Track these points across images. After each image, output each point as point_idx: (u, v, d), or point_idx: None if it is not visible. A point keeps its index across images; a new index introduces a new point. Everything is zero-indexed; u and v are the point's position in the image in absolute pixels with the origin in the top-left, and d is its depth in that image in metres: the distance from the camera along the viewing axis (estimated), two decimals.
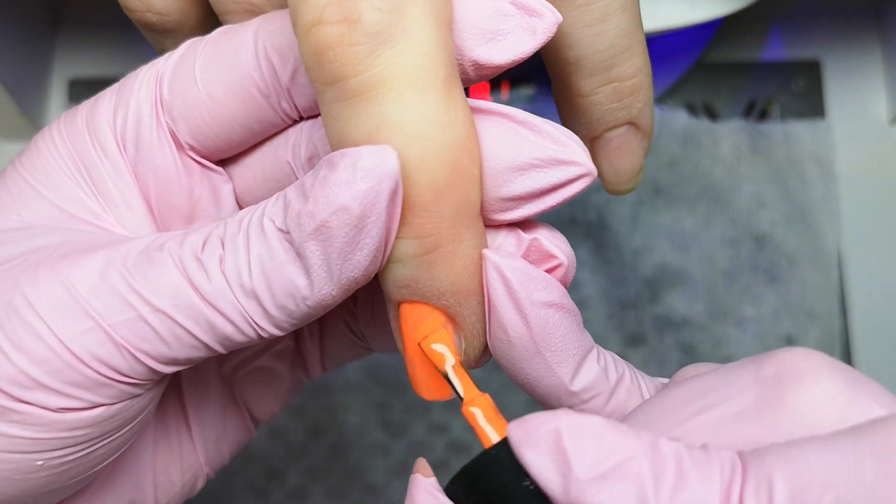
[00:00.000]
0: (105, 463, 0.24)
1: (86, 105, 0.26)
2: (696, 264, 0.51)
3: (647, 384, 0.24)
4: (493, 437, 0.21)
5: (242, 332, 0.22)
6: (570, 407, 0.23)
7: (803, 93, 0.54)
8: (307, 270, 0.21)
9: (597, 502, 0.18)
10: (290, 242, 0.21)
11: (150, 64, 0.25)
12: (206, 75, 0.24)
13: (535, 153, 0.22)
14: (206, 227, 0.23)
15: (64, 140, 0.25)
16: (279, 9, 0.25)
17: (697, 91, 0.54)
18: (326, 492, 0.48)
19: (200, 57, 0.24)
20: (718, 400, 0.20)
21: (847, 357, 0.50)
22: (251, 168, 0.26)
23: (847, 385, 0.20)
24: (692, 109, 0.53)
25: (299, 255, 0.21)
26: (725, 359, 0.50)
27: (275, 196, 0.22)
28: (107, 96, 0.25)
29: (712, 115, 0.53)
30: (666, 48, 0.52)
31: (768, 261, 0.51)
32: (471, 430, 0.48)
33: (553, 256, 0.23)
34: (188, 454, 0.29)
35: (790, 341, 0.50)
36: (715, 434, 0.20)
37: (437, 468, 0.48)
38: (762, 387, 0.20)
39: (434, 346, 0.22)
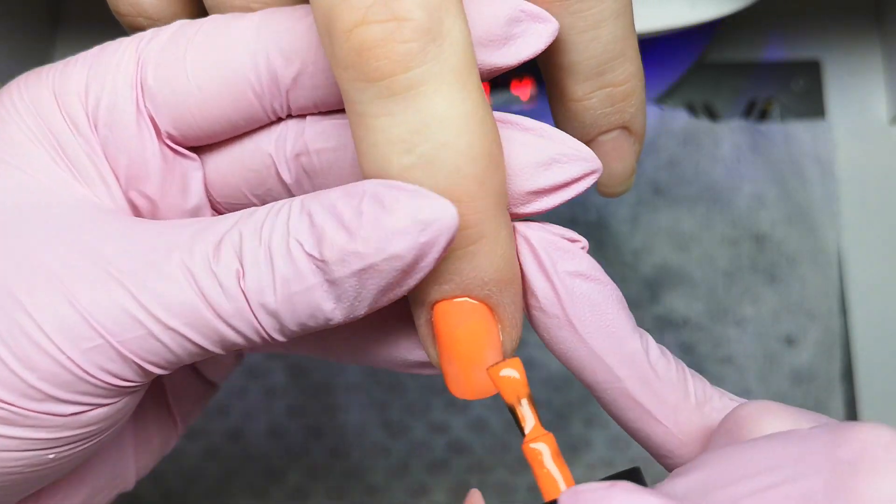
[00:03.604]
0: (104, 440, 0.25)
1: (50, 71, 0.25)
2: (696, 264, 0.51)
3: (698, 382, 0.24)
4: (560, 483, 0.21)
5: (252, 341, 0.23)
6: (605, 382, 0.23)
7: (803, 93, 0.54)
8: (338, 298, 0.22)
9: None
10: (322, 269, 0.21)
11: (131, 40, 0.25)
12: (199, 68, 0.24)
13: (556, 150, 0.23)
14: (211, 227, 0.23)
15: (29, 109, 0.24)
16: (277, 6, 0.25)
17: (697, 91, 0.54)
18: (326, 492, 0.48)
19: (193, 47, 0.24)
20: (788, 477, 0.19)
21: (847, 357, 0.50)
22: (228, 156, 0.26)
23: None
24: (692, 109, 0.53)
25: (332, 283, 0.21)
26: (725, 359, 0.50)
27: (292, 210, 0.22)
28: (77, 66, 0.25)
29: (712, 115, 0.53)
30: (666, 48, 0.52)
31: (768, 261, 0.51)
32: (471, 429, 0.48)
33: (575, 240, 0.24)
34: (164, 415, 0.30)
35: (790, 341, 0.50)
36: None
37: (438, 468, 0.48)
38: (835, 471, 0.19)
39: (504, 373, 0.22)
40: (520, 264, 0.24)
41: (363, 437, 0.48)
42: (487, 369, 0.23)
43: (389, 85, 0.21)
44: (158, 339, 0.22)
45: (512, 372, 0.22)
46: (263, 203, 0.26)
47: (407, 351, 0.26)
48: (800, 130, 0.52)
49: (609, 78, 0.27)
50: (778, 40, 0.55)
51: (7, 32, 0.49)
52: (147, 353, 0.22)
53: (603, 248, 0.51)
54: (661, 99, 0.53)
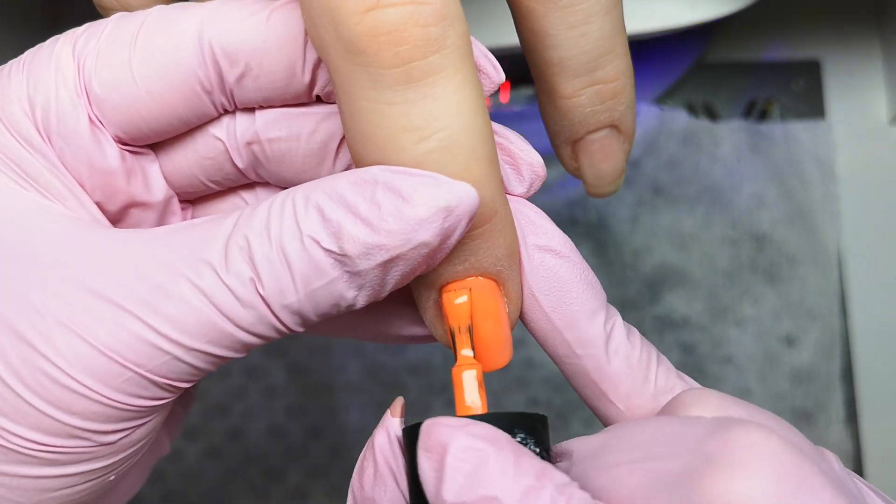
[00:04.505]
0: None
1: None
2: (696, 264, 0.51)
3: (662, 372, 0.24)
4: (474, 409, 0.22)
5: (274, 338, 0.23)
6: (565, 356, 0.24)
7: (803, 93, 0.54)
8: (361, 286, 0.22)
9: None
10: (343, 262, 0.21)
11: (65, 40, 0.24)
12: (146, 73, 0.23)
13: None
14: (208, 235, 0.22)
15: None
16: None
17: (697, 91, 0.54)
18: (326, 492, 0.48)
19: (138, 49, 0.23)
20: (656, 455, 0.20)
21: (847, 357, 0.50)
22: (181, 147, 0.25)
23: (779, 489, 0.19)
24: (692, 109, 0.53)
25: (355, 274, 0.21)
26: (725, 359, 0.50)
27: (296, 205, 0.21)
28: (13, 78, 0.23)
29: (712, 115, 0.53)
30: (666, 48, 0.52)
31: (768, 261, 0.51)
32: None
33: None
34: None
35: (790, 341, 0.50)
36: (637, 488, 0.20)
37: None
38: (694, 460, 0.19)
39: (457, 301, 0.23)
40: None
41: (363, 437, 0.48)
42: (441, 290, 0.23)
43: (408, 72, 0.20)
44: (184, 361, 0.22)
45: (462, 299, 0.23)
46: (221, 186, 0.26)
47: (400, 327, 0.26)
48: (800, 130, 0.52)
49: (599, 75, 0.27)
50: (778, 40, 0.55)
51: (7, 32, 0.49)
52: (176, 374, 0.22)
53: (603, 248, 0.51)
54: (661, 99, 0.53)
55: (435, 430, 0.20)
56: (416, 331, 0.26)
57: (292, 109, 0.24)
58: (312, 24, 0.21)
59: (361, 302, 0.22)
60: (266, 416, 0.48)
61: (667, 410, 0.23)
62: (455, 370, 0.22)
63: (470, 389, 0.22)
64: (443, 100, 0.21)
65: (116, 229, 0.24)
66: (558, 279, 0.24)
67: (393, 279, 0.21)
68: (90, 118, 0.23)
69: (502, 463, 0.20)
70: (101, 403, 0.22)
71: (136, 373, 0.22)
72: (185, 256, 0.22)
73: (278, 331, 0.22)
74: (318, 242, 0.21)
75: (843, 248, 0.52)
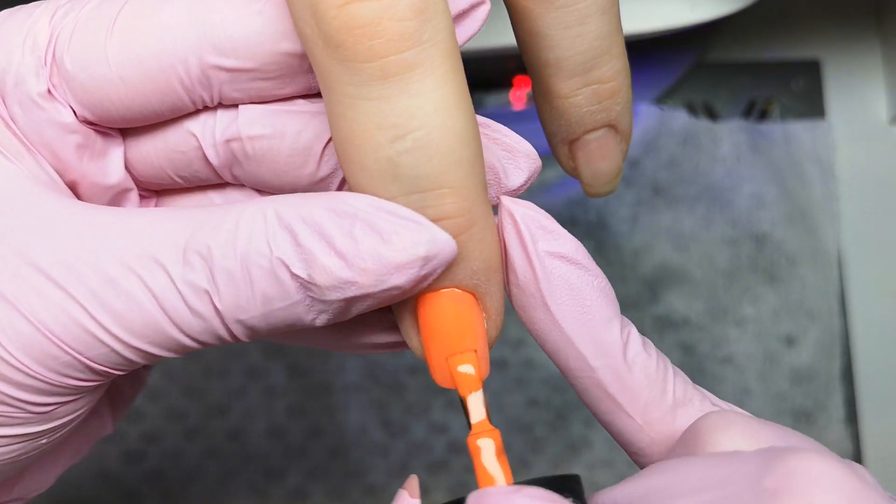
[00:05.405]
0: None
1: None
2: (696, 264, 0.51)
3: (680, 383, 0.24)
4: (498, 480, 0.21)
5: (210, 345, 0.22)
6: (578, 369, 0.23)
7: (803, 93, 0.54)
8: (321, 311, 0.21)
9: None
10: (308, 289, 0.21)
11: (45, 7, 0.23)
12: (122, 58, 0.22)
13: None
14: (169, 232, 0.21)
15: None
16: None
17: (697, 91, 0.54)
18: (326, 492, 0.48)
19: (116, 33, 0.22)
20: (712, 500, 0.19)
21: (847, 357, 0.50)
22: (151, 137, 0.24)
23: None
24: (692, 109, 0.53)
25: (319, 301, 0.21)
26: (725, 359, 0.50)
27: (267, 221, 0.21)
28: None
29: (712, 115, 0.53)
30: (666, 48, 0.52)
31: (768, 261, 0.51)
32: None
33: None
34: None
35: (790, 341, 0.50)
36: None
37: (438, 468, 0.48)
38: (757, 496, 0.18)
39: (461, 369, 0.22)
40: (503, 240, 0.23)
41: (363, 437, 0.48)
42: (447, 359, 0.22)
43: (384, 66, 0.20)
44: (122, 356, 0.22)
45: (468, 368, 0.22)
46: (189, 183, 0.25)
47: (373, 336, 0.26)
48: (800, 130, 0.52)
49: (595, 75, 0.26)
50: (778, 40, 0.55)
51: None
52: (113, 364, 0.22)
53: (603, 248, 0.51)
54: (661, 99, 0.53)
55: (486, 499, 0.19)
56: (385, 338, 0.25)
57: (278, 107, 0.24)
58: (296, 18, 0.21)
59: (320, 324, 0.22)
60: (266, 416, 0.48)
61: (689, 437, 0.22)
62: (471, 439, 0.22)
63: (489, 461, 0.21)
64: (419, 97, 0.20)
65: (75, 201, 0.23)
66: (571, 287, 0.23)
67: (357, 311, 0.21)
68: (49, 90, 0.23)
69: None
70: (36, 379, 0.22)
71: (74, 358, 0.22)
72: (141, 253, 0.21)
73: (223, 340, 0.22)
74: (287, 266, 0.21)
75: (843, 248, 0.52)
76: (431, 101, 0.20)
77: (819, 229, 0.51)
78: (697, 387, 0.24)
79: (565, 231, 0.23)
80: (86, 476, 0.47)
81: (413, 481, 0.22)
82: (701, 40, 0.53)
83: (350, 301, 0.21)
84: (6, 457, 0.23)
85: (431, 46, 0.20)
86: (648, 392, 0.23)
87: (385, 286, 0.20)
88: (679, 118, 0.52)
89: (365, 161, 0.21)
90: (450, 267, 0.21)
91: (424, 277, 0.21)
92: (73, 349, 0.21)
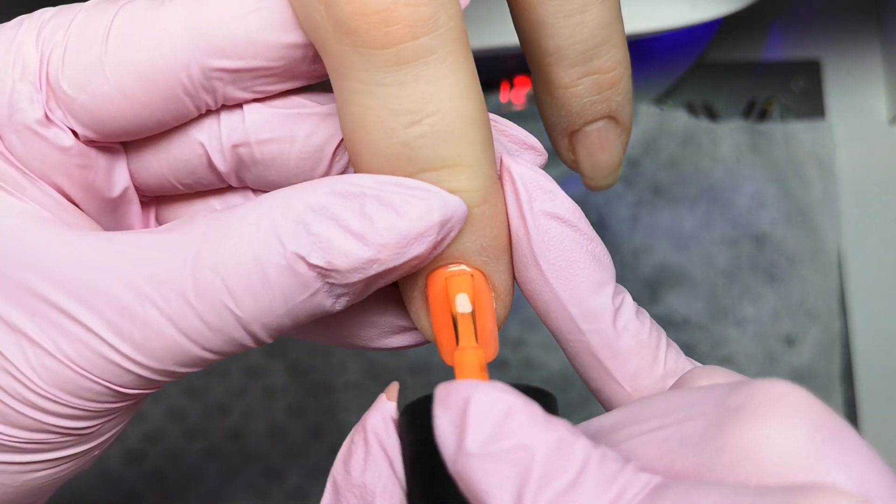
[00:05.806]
0: None
1: None
2: (696, 264, 0.51)
3: (672, 354, 0.23)
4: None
5: (233, 353, 0.22)
6: (568, 332, 0.23)
7: (803, 93, 0.54)
8: (341, 294, 0.21)
9: (474, 478, 0.18)
10: (326, 276, 0.21)
11: (28, 25, 0.22)
12: (121, 72, 0.22)
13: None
14: (176, 251, 0.21)
15: None
16: None
17: (697, 91, 0.54)
18: None
19: (112, 47, 0.22)
20: (676, 421, 0.19)
21: (847, 357, 0.50)
22: (154, 147, 0.24)
23: (814, 437, 0.17)
24: (692, 109, 0.53)
25: (339, 286, 0.21)
26: (725, 359, 0.50)
27: (275, 218, 0.21)
28: None
29: (712, 115, 0.53)
30: (666, 48, 0.52)
31: (768, 261, 0.51)
32: None
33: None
34: None
35: (790, 341, 0.50)
36: (660, 455, 0.19)
37: None
38: (718, 416, 0.18)
39: (460, 308, 0.22)
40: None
41: None
42: (445, 279, 0.22)
43: (399, 52, 0.20)
44: (150, 378, 0.22)
45: (465, 304, 0.22)
46: (191, 190, 0.25)
47: (386, 320, 0.25)
48: (800, 130, 0.52)
49: (596, 64, 0.26)
50: (778, 40, 0.55)
51: None
52: (144, 386, 0.22)
53: None
54: (661, 99, 0.53)
55: (454, 387, 0.19)
56: (396, 323, 0.25)
57: (287, 110, 0.23)
58: (302, 6, 0.21)
59: (340, 307, 0.22)
60: (266, 416, 0.48)
61: (675, 387, 0.22)
62: (457, 353, 0.22)
63: (472, 373, 0.21)
64: (435, 83, 0.20)
65: (79, 231, 0.23)
66: (563, 248, 0.23)
67: (376, 286, 0.22)
68: (47, 115, 0.22)
69: (532, 413, 0.18)
70: (74, 408, 0.22)
71: (105, 386, 0.22)
72: (150, 277, 0.21)
73: (246, 347, 0.22)
74: (303, 258, 0.21)
75: (843, 248, 0.52)
76: (446, 86, 0.20)
77: (819, 229, 0.51)
78: (691, 359, 0.24)
79: (564, 193, 0.23)
80: (86, 476, 0.47)
81: (393, 386, 0.22)
82: (701, 40, 0.53)
83: (371, 279, 0.21)
84: (62, 473, 0.24)
85: (445, 32, 0.20)
86: (638, 360, 0.23)
87: (406, 257, 0.21)
88: (679, 118, 0.52)
89: (378, 146, 0.21)
90: (460, 238, 0.22)
91: (440, 242, 0.21)
92: (103, 379, 0.22)
